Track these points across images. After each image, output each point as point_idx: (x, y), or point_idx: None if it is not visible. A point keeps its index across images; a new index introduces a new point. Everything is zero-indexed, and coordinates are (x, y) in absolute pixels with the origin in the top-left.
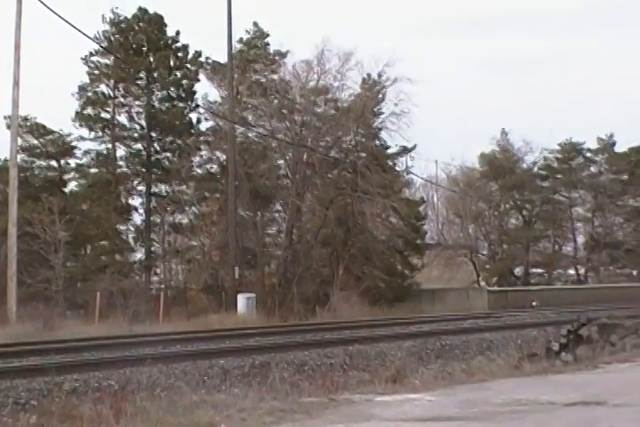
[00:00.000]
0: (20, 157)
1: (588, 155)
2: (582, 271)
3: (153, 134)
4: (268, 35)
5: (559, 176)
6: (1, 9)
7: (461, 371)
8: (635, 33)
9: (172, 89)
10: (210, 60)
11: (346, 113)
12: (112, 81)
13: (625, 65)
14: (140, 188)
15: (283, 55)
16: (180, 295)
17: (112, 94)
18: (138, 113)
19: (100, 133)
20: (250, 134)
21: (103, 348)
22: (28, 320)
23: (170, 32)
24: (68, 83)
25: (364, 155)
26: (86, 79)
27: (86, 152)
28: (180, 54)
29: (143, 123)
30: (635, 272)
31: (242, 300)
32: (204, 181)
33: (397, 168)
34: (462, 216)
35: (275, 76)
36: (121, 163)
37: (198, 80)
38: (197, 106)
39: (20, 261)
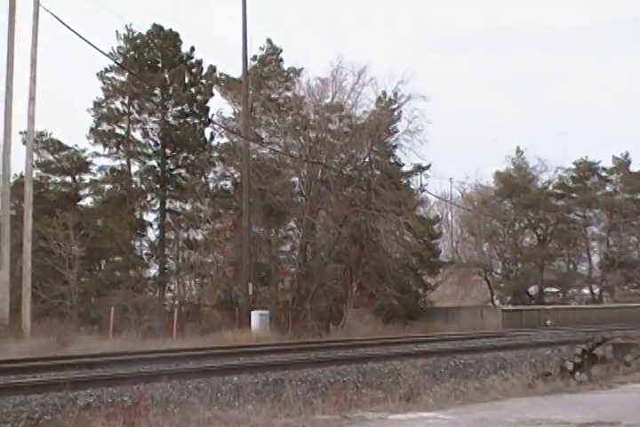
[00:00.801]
0: (35, 172)
1: (604, 174)
2: (597, 291)
3: (167, 150)
4: (281, 51)
5: (574, 195)
6: (17, 25)
7: (475, 389)
8: None
9: (187, 105)
10: (224, 76)
11: (360, 130)
12: (127, 97)
13: None
14: (154, 204)
15: (297, 72)
16: (194, 311)
17: (127, 110)
18: (152, 129)
19: (115, 149)
20: (264, 151)
21: (117, 363)
22: (42, 335)
23: (184, 48)
24: (84, 99)
25: (378, 172)
26: (101, 95)
27: (101, 168)
28: (194, 70)
29: (157, 139)
30: None
31: (256, 316)
32: (219, 198)
33: (412, 186)
34: (476, 234)
35: (289, 93)
36: (135, 179)
37: (212, 95)
38: (210, 122)
39: (34, 276)
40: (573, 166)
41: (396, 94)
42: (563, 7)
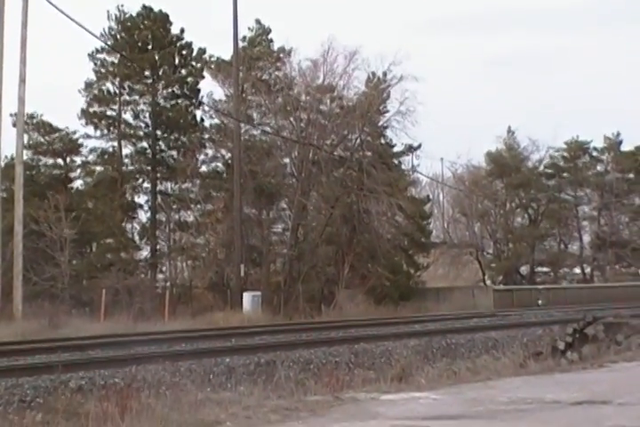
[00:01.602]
0: (26, 154)
1: (595, 154)
2: (588, 270)
3: (158, 132)
4: (270, 31)
5: (565, 175)
6: (7, 6)
7: (467, 370)
8: None
9: (177, 87)
10: (214, 58)
11: (351, 111)
12: (118, 78)
13: (633, 63)
14: (145, 185)
15: (287, 52)
16: (186, 293)
17: (118, 92)
18: (143, 111)
19: (106, 131)
20: (255, 132)
21: (108, 346)
22: (34, 318)
23: (174, 30)
24: (75, 80)
25: (369, 153)
26: (92, 77)
27: (92, 150)
28: (184, 52)
29: (148, 121)
30: None
31: (247, 298)
32: (210, 179)
33: (403, 167)
34: (468, 215)
35: (279, 73)
36: (126, 160)
37: (203, 77)
38: (201, 103)
39: (25, 259)
40: (564, 146)
41: (385, 74)
42: None
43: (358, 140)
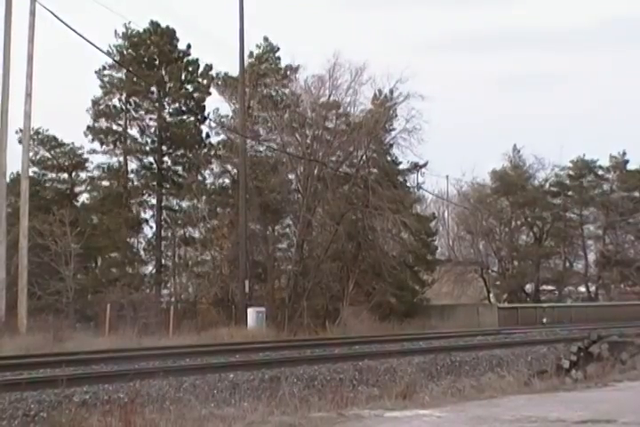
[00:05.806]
0: (31, 169)
1: (600, 172)
2: (593, 289)
3: (164, 148)
4: (278, 48)
5: (570, 193)
6: (14, 22)
7: (471, 387)
8: None
9: (184, 102)
10: (220, 75)
11: (357, 128)
12: (124, 94)
13: (638, 82)
14: (150, 201)
15: (294, 69)
16: (190, 309)
17: (124, 107)
18: (149, 126)
19: (112, 146)
20: (261, 148)
21: (113, 360)
22: (39, 332)
23: (181, 46)
24: (81, 96)
25: (375, 170)
26: (99, 93)
27: (98, 165)
28: (190, 68)
29: (154, 136)
30: None
31: (252, 314)
32: (215, 195)
33: (408, 184)
34: (473, 232)
35: (286, 90)
36: (132, 176)
37: (209, 93)
38: (205, 119)
39: (30, 273)
40: (570, 165)
41: (392, 92)
42: (562, 7)
43: (364, 157)
